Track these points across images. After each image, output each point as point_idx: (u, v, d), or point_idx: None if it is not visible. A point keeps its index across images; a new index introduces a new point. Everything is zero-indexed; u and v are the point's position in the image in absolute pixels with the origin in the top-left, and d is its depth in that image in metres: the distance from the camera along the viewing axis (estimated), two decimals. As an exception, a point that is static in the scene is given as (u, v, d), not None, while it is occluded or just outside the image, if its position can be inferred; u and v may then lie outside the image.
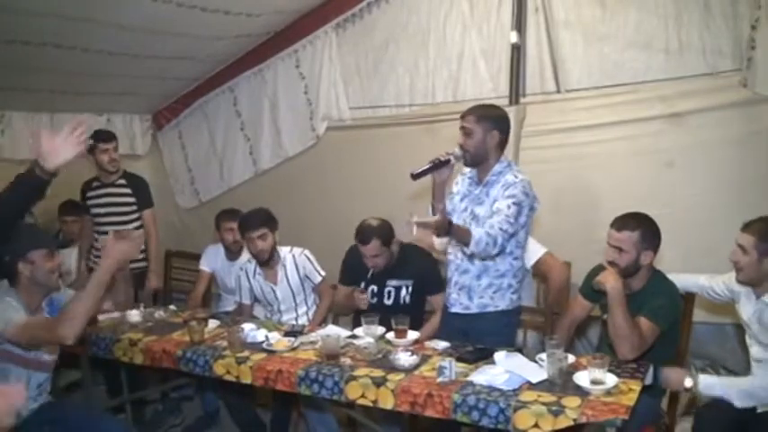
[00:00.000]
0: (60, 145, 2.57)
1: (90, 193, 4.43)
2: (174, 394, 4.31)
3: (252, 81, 5.25)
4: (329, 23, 4.82)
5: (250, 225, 3.69)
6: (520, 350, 2.74)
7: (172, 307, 3.87)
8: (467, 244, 2.71)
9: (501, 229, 2.73)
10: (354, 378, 2.60)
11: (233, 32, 4.68)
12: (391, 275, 3.51)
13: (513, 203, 2.78)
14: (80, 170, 4.52)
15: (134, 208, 4.41)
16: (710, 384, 2.63)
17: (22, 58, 3.97)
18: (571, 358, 2.56)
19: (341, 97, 4.88)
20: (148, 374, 3.92)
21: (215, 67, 5.26)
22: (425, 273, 3.51)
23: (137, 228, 4.34)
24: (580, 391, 2.31)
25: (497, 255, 2.84)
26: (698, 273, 3.09)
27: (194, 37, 4.49)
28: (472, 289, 2.97)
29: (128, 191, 4.40)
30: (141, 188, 4.49)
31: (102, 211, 4.36)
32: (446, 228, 2.66)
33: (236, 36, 4.76)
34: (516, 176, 2.88)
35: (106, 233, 4.18)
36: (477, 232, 2.71)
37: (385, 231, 3.42)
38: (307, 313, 3.85)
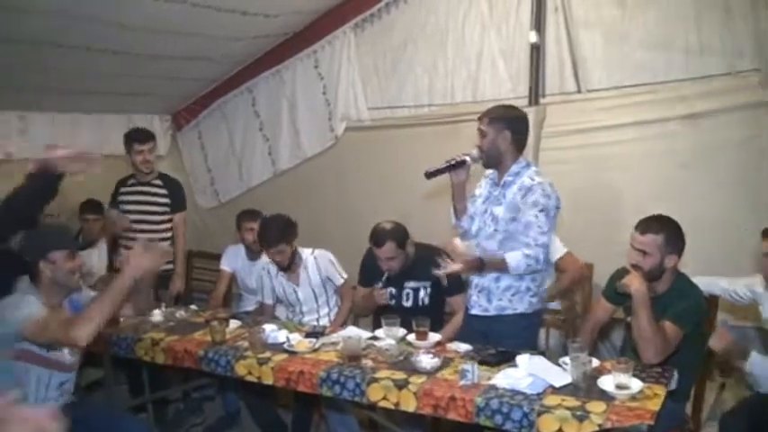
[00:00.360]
0: None
1: (124, 189, 4.42)
2: (196, 394, 4.32)
3: (270, 82, 5.26)
4: (347, 24, 4.82)
5: (267, 241, 3.68)
6: (542, 353, 2.72)
7: (193, 307, 3.89)
8: (505, 271, 2.78)
9: (538, 244, 2.77)
10: (376, 380, 2.60)
11: (251, 33, 4.70)
12: (409, 277, 3.49)
13: (539, 211, 2.79)
14: (109, 169, 4.54)
15: (167, 209, 4.38)
16: (757, 362, 2.63)
17: (40, 60, 4.00)
18: (595, 362, 2.55)
19: (359, 97, 4.87)
20: (170, 374, 3.93)
21: (233, 67, 5.28)
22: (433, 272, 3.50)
23: (166, 229, 4.36)
24: (605, 396, 2.30)
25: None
26: (717, 274, 3.07)
27: (212, 38, 4.51)
28: (491, 291, 2.96)
29: (163, 191, 4.39)
30: (176, 190, 4.48)
31: (134, 208, 4.34)
32: (479, 267, 2.82)
33: (254, 37, 4.78)
34: (533, 179, 2.87)
35: (135, 231, 4.20)
36: (512, 258, 2.77)
37: (399, 234, 3.40)
38: (328, 314, 3.85)
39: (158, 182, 4.41)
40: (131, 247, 2.79)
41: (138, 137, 4.31)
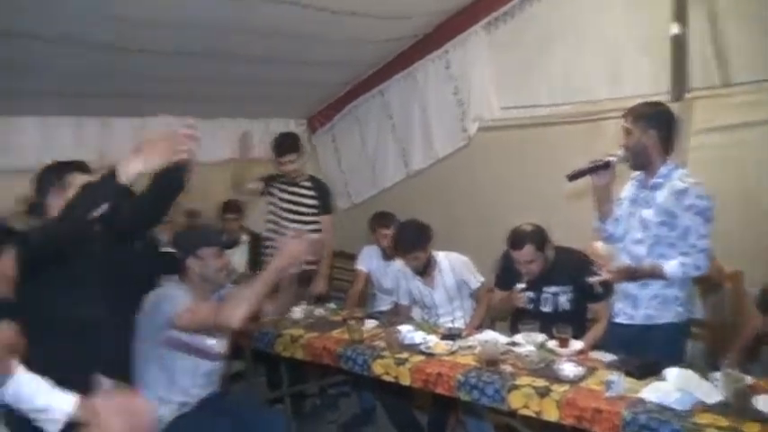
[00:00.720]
0: (154, 148, 2.24)
1: (275, 184, 4.51)
2: (332, 390, 4.46)
3: (402, 84, 5.31)
4: (479, 23, 4.76)
5: (402, 248, 3.74)
6: (689, 366, 2.58)
7: (331, 305, 4.00)
8: (660, 277, 2.72)
9: (698, 250, 2.67)
10: (516, 387, 2.58)
11: (383, 36, 4.76)
12: (548, 281, 3.39)
13: (695, 214, 2.68)
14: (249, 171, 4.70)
15: (315, 210, 4.45)
16: None
17: (184, 68, 4.22)
18: (748, 379, 2.39)
19: (492, 97, 4.81)
20: (307, 369, 4.08)
21: (366, 71, 5.38)
22: (585, 279, 3.39)
23: (314, 230, 4.37)
24: (760, 416, 2.16)
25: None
26: None
27: (347, 42, 4.61)
28: (638, 298, 2.85)
29: (313, 193, 4.48)
30: (325, 193, 4.58)
31: (284, 206, 4.46)
32: (631, 277, 2.78)
33: (385, 40, 4.84)
34: (684, 181, 2.74)
35: (283, 227, 4.32)
36: (669, 268, 2.69)
37: (539, 236, 3.32)
38: (463, 317, 3.84)
39: (308, 183, 4.51)
40: (276, 248, 2.88)
41: (279, 149, 4.37)
